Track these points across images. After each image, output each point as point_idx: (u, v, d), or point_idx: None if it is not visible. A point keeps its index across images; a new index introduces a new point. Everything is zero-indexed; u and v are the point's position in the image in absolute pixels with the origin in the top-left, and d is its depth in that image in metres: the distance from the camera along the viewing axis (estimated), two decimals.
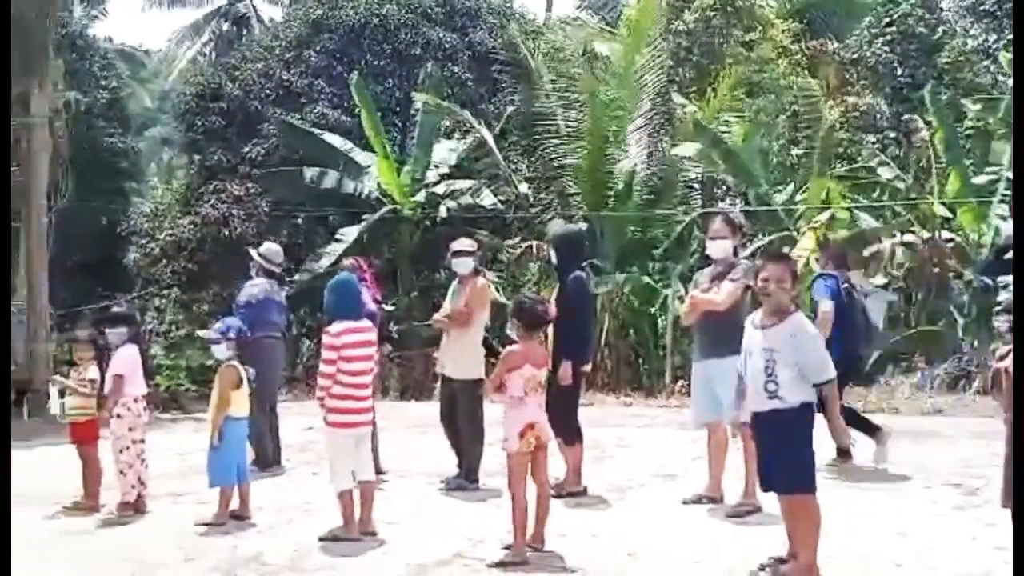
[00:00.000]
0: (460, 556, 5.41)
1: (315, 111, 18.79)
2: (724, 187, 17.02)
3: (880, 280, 13.19)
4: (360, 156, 17.80)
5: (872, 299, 8.20)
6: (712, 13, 17.50)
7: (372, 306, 7.30)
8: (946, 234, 13.80)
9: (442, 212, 17.10)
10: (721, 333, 5.99)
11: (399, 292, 16.75)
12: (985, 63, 17.66)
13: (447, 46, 19.51)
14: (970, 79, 17.14)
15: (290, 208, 18.34)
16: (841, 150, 16.38)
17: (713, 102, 15.86)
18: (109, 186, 22.41)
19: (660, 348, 14.21)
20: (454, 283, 7.41)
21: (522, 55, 17.36)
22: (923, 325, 13.48)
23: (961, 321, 13.14)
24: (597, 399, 12.46)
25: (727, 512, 6.10)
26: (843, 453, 7.14)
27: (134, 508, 6.71)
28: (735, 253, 6.52)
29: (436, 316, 7.48)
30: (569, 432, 6.62)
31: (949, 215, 13.89)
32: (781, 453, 4.69)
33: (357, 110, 17.42)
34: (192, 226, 18.36)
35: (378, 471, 6.92)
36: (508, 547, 5.33)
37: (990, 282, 12.46)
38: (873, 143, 16.11)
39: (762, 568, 4.92)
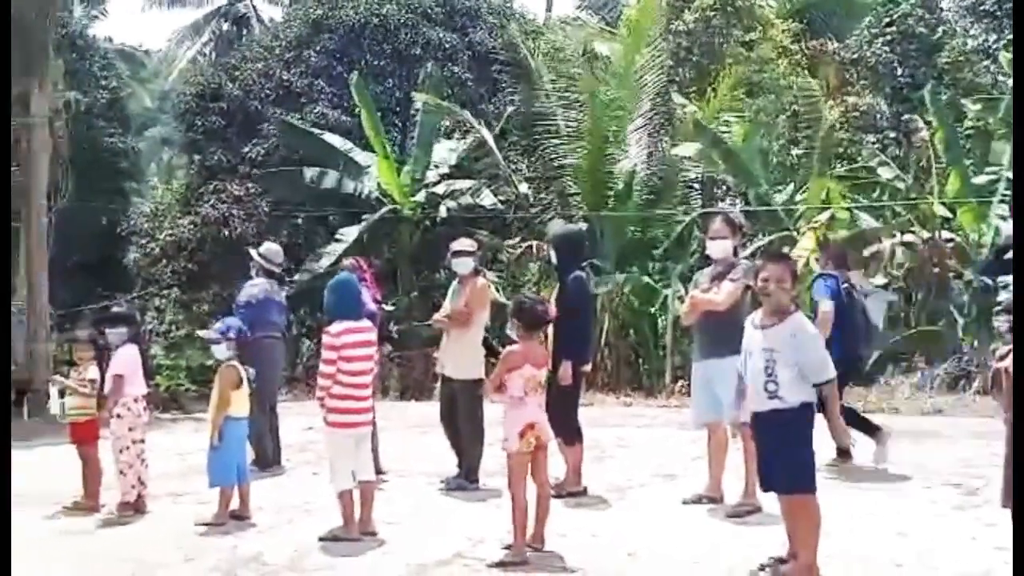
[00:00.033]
0: (460, 556, 5.42)
1: (315, 111, 18.79)
2: (724, 187, 17.02)
3: (880, 280, 13.19)
4: (360, 156, 17.80)
5: (872, 299, 8.20)
6: (712, 13, 17.51)
7: (372, 306, 7.30)
8: (946, 234, 13.80)
9: (442, 212, 17.10)
10: (721, 333, 5.99)
11: (399, 292, 16.75)
12: (985, 63, 17.66)
13: (447, 46, 19.51)
14: (970, 79, 17.14)
15: (290, 208, 18.34)
16: (841, 150, 16.38)
17: (713, 102, 15.86)
18: (109, 186, 22.42)
19: (660, 348, 14.21)
20: (454, 283, 7.41)
21: (522, 55, 17.36)
22: (923, 325, 13.48)
23: (961, 321, 13.14)
24: (597, 399, 12.46)
25: (727, 512, 6.09)
26: (843, 453, 7.14)
27: (134, 508, 6.71)
28: (735, 253, 6.52)
29: (436, 316, 7.48)
30: (569, 432, 6.62)
31: (949, 215, 13.89)
32: (781, 453, 4.69)
33: (357, 110, 17.42)
34: (192, 226, 18.37)
35: (378, 471, 6.92)
36: (508, 547, 5.33)
37: (990, 282, 12.45)
38: (873, 143, 16.12)
39: (762, 568, 4.92)
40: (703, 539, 5.61)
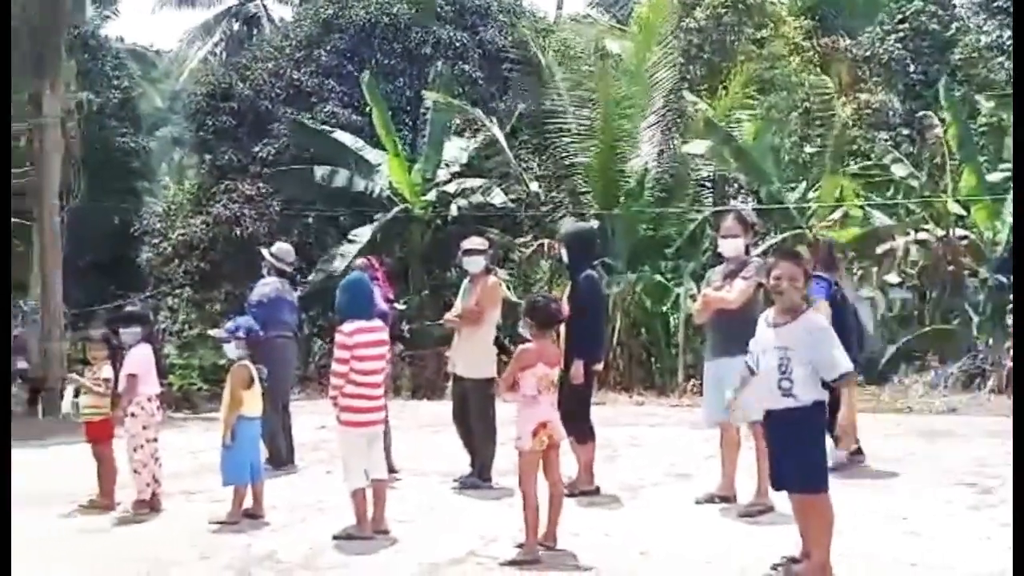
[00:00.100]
0: (473, 554, 5.42)
1: (326, 110, 18.84)
2: (736, 185, 16.96)
3: (894, 278, 13.13)
4: (371, 155, 17.82)
5: (860, 304, 8.12)
6: (723, 10, 17.47)
7: (384, 305, 7.31)
8: (960, 232, 13.73)
9: (453, 211, 17.10)
10: (733, 331, 5.96)
11: (411, 291, 16.78)
12: (999, 59, 17.58)
13: (458, 45, 19.53)
14: (984, 75, 17.07)
15: (301, 207, 18.40)
16: (854, 147, 16.33)
17: (725, 99, 15.83)
18: (121, 186, 22.56)
19: (672, 347, 14.19)
20: (465, 282, 7.41)
21: (533, 53, 17.36)
22: (937, 323, 13.41)
23: (975, 319, 13.07)
24: (609, 398, 12.45)
25: (740, 511, 6.07)
26: (855, 451, 7.11)
27: (149, 506, 6.74)
28: (747, 251, 6.50)
29: (448, 315, 7.48)
30: (581, 431, 6.61)
31: (963, 212, 13.82)
32: (793, 452, 4.67)
33: (368, 109, 17.46)
34: (204, 225, 18.44)
35: (391, 470, 6.93)
36: (520, 546, 5.33)
37: (1004, 280, 12.41)
38: (886, 140, 16.05)
39: (775, 568, 4.90)
40: (716, 539, 5.59)
